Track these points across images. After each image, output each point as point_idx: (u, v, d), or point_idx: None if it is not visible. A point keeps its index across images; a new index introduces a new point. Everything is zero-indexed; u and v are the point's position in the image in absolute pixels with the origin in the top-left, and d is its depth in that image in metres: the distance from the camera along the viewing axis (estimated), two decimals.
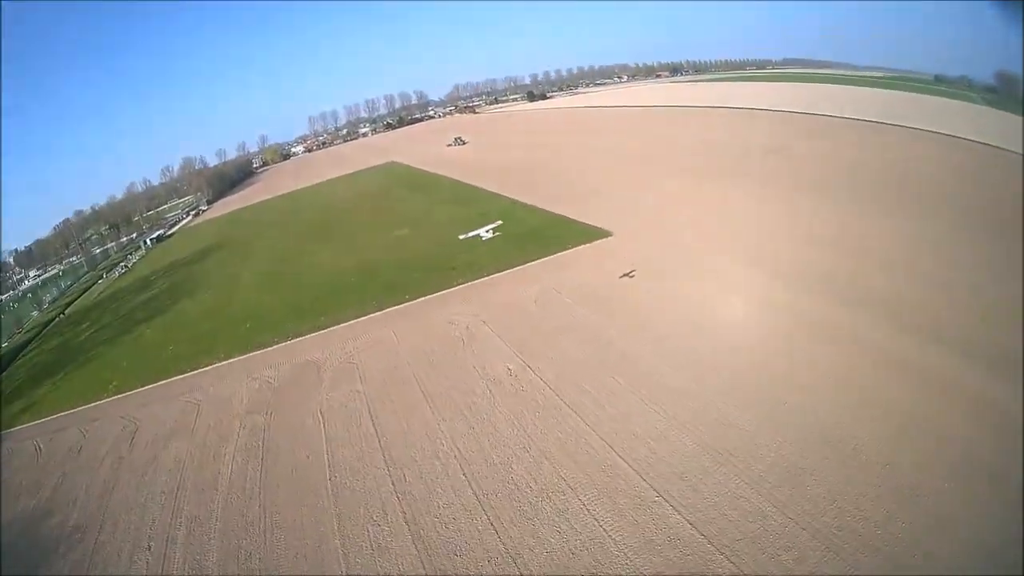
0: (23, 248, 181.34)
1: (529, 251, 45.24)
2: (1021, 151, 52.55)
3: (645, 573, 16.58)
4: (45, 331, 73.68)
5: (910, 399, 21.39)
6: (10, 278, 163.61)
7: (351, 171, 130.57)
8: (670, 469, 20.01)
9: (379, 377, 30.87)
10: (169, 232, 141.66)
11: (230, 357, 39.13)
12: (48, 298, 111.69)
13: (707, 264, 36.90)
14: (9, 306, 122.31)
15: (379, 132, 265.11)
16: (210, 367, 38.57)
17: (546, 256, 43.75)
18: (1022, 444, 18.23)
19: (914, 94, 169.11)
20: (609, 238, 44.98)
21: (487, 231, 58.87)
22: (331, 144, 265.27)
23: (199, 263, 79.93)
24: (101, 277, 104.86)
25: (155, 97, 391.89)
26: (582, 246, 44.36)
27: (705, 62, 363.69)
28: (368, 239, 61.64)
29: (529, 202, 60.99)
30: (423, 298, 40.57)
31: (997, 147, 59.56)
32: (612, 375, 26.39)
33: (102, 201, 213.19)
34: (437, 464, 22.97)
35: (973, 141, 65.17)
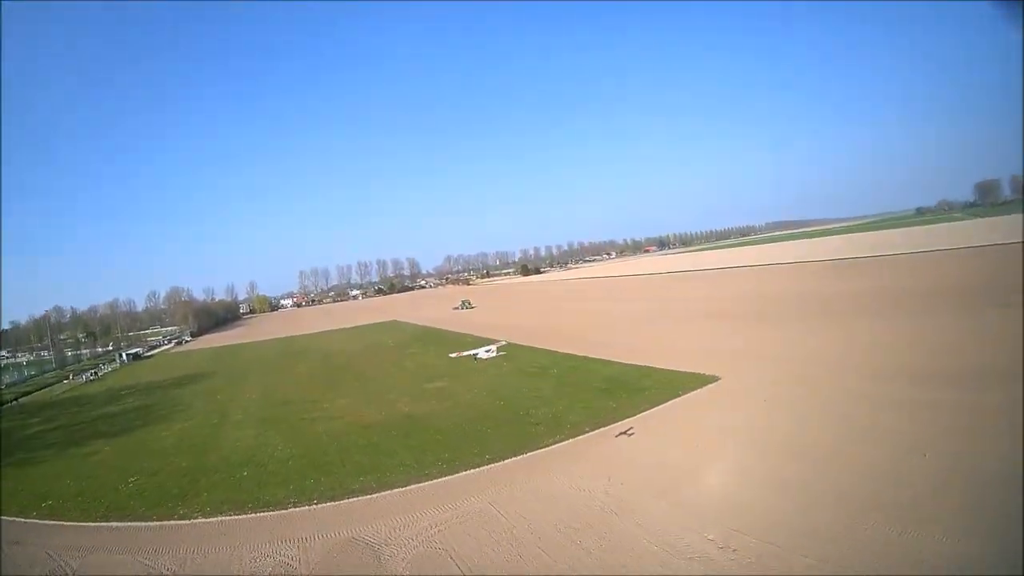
0: None
1: (625, 402, 36.11)
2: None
3: None
4: None
5: None
6: None
7: (350, 325, 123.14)
8: None
9: (501, 572, 18.16)
10: (148, 353, 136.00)
11: (219, 513, 25.81)
12: (7, 379, 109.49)
13: (857, 388, 32.69)
14: None
15: (369, 296, 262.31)
16: (188, 521, 25.44)
17: (655, 405, 34.66)
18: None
19: (901, 228, 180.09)
20: (719, 381, 38.23)
21: (487, 351, 57.69)
22: (321, 302, 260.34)
23: (179, 388, 69.35)
24: (67, 378, 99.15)
25: (149, 223, 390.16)
26: (694, 391, 36.74)
27: (690, 234, 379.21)
28: (396, 390, 49.53)
29: (587, 354, 53.53)
30: (510, 460, 28.24)
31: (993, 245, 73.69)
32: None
33: (83, 306, 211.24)
34: None
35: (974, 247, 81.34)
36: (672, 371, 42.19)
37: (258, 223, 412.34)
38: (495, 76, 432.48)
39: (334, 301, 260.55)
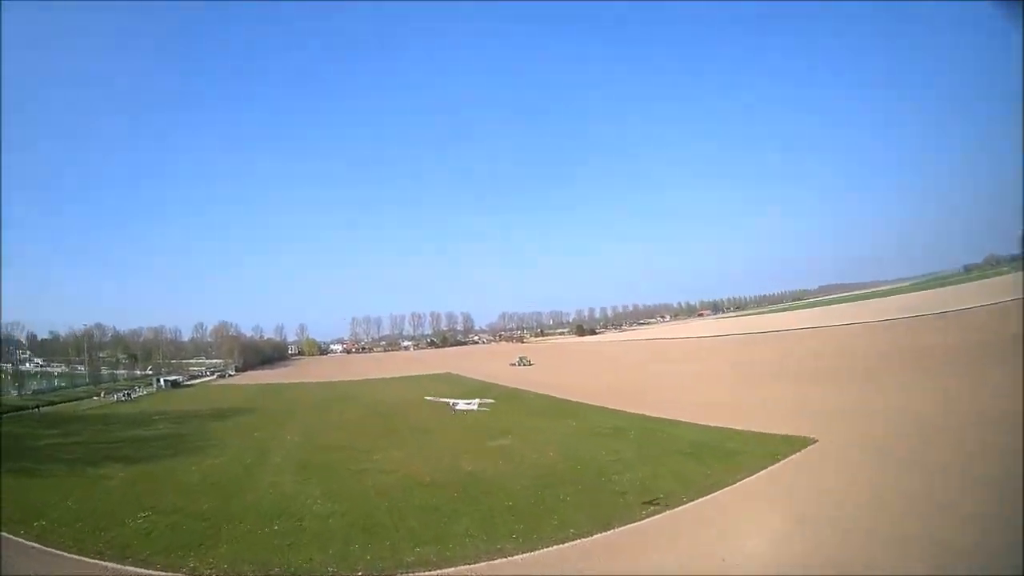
0: (38, 337, 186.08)
1: (718, 467, 31.89)
2: None
3: None
4: (5, 415, 66.69)
5: None
6: (13, 354, 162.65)
7: (403, 374, 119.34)
8: None
9: None
10: (188, 382, 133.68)
11: (236, 574, 21.26)
12: (33, 386, 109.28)
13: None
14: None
15: (421, 348, 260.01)
16: None
17: (753, 472, 30.18)
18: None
19: (949, 287, 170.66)
20: (817, 444, 34.42)
21: (469, 403, 56.93)
22: (371, 351, 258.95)
23: (216, 420, 65.27)
24: (99, 395, 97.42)
25: (200, 255, 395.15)
26: (793, 456, 32.75)
27: (743, 298, 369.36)
28: (455, 445, 44.21)
29: (661, 415, 48.45)
30: (598, 535, 23.04)
31: None
32: None
33: (126, 328, 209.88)
34: None
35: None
36: (759, 433, 38.14)
37: (312, 266, 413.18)
38: (550, 132, 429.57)
39: (385, 351, 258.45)
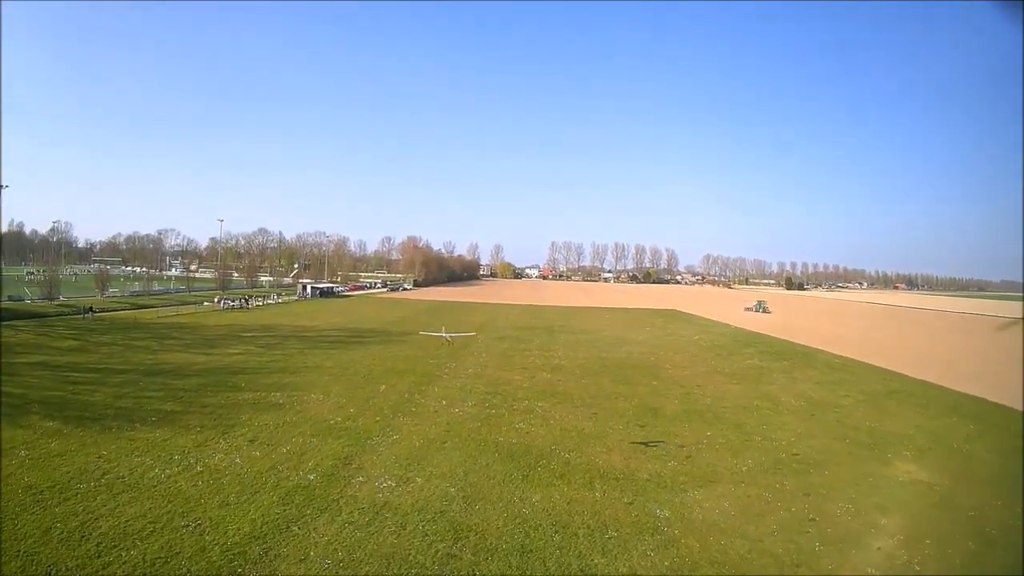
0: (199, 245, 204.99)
1: None
2: None
3: None
4: (49, 318, 59.51)
5: None
6: (165, 260, 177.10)
7: (616, 306, 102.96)
8: None
9: None
10: (347, 292, 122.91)
11: None
12: (135, 288, 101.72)
13: None
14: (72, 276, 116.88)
15: (622, 282, 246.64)
16: None
17: None
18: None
19: None
20: None
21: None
22: (569, 279, 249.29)
23: (332, 349, 45.74)
24: (212, 300, 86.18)
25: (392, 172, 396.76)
26: None
27: (934, 277, 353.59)
28: (822, 470, 20.81)
29: None
30: None
31: None
32: None
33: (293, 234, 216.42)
34: None
35: None
36: None
37: (511, 186, 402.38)
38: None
39: (583, 280, 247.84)
